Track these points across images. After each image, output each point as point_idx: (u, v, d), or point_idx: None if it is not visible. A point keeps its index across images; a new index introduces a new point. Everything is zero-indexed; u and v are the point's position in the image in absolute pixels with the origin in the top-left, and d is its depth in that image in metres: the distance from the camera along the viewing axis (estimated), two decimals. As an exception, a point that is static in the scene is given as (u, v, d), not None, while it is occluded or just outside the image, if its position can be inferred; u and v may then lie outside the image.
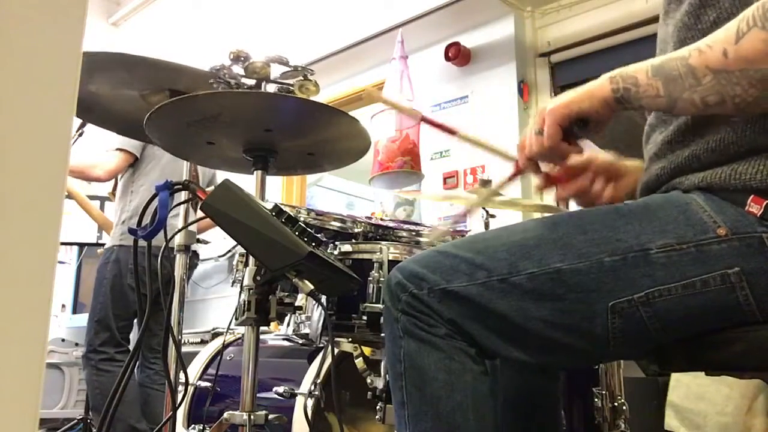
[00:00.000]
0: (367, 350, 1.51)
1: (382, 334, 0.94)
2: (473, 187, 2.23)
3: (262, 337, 1.52)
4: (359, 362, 1.47)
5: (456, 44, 3.35)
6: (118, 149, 2.77)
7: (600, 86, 0.86)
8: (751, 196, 0.79)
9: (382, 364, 1.41)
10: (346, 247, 1.31)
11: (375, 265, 1.27)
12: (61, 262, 4.55)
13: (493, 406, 0.89)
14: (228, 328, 1.60)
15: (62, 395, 4.19)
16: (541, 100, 3.22)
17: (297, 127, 1.35)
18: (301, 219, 1.30)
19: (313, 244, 1.05)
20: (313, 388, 1.64)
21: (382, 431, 1.52)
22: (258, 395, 1.27)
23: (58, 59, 0.43)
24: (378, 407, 1.39)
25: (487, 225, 2.01)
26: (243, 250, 1.35)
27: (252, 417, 1.24)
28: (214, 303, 4.12)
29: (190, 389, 1.94)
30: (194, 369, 2.02)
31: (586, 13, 3.15)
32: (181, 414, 1.91)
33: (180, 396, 1.68)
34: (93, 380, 2.68)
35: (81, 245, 4.21)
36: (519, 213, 2.61)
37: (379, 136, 2.25)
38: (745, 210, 0.79)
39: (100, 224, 3.44)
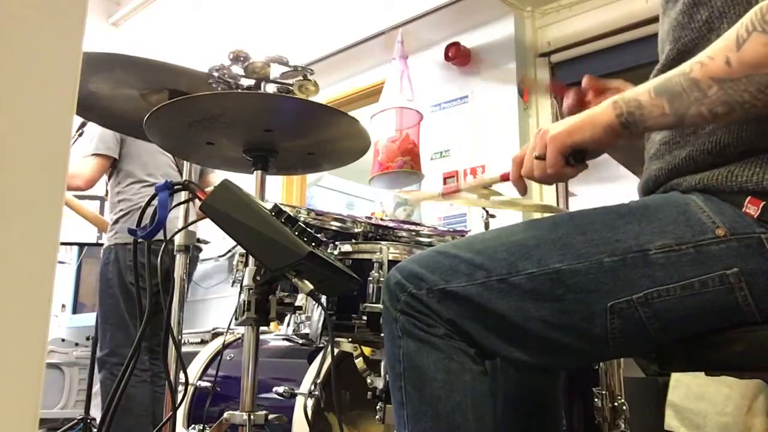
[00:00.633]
0: (367, 350, 1.51)
1: (382, 334, 0.94)
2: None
3: (262, 337, 1.52)
4: (359, 362, 1.47)
5: (456, 44, 3.35)
6: (93, 154, 2.69)
7: (602, 112, 0.84)
8: (748, 198, 0.79)
9: (382, 364, 1.41)
10: (346, 247, 1.31)
11: (375, 265, 1.27)
12: (61, 262, 4.54)
13: (493, 406, 0.89)
14: (228, 328, 1.60)
15: (62, 395, 4.19)
16: (541, 100, 3.22)
17: (297, 127, 1.35)
18: (301, 219, 1.30)
19: (313, 244, 1.05)
20: (313, 388, 1.64)
21: (381, 431, 1.52)
22: (258, 395, 1.27)
23: (58, 59, 0.43)
24: (378, 407, 1.39)
25: (487, 225, 2.00)
26: (243, 250, 1.35)
27: (252, 417, 1.23)
28: (214, 303, 4.12)
29: (190, 389, 1.94)
30: (194, 369, 2.02)
31: (586, 13, 3.15)
32: (181, 414, 1.91)
33: (180, 396, 1.68)
34: (107, 384, 2.62)
35: (81, 245, 4.19)
36: (519, 213, 2.61)
37: (379, 136, 2.24)
38: (742, 211, 0.79)
39: (93, 224, 3.41)
